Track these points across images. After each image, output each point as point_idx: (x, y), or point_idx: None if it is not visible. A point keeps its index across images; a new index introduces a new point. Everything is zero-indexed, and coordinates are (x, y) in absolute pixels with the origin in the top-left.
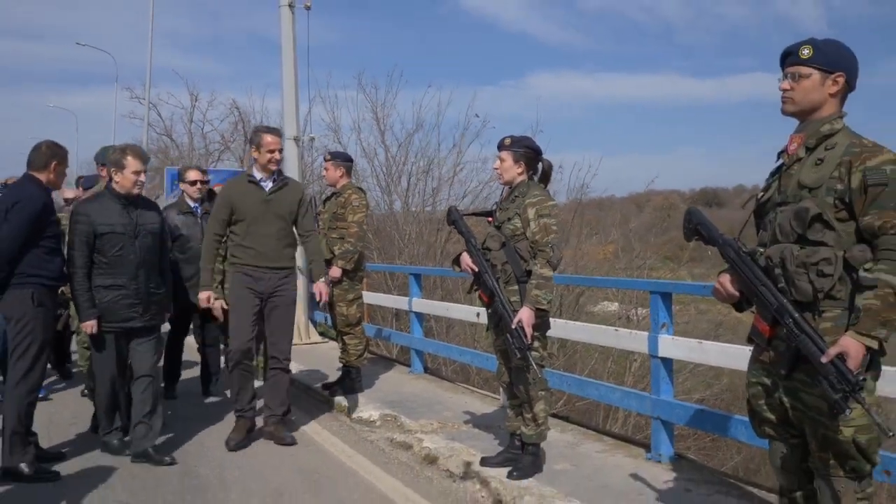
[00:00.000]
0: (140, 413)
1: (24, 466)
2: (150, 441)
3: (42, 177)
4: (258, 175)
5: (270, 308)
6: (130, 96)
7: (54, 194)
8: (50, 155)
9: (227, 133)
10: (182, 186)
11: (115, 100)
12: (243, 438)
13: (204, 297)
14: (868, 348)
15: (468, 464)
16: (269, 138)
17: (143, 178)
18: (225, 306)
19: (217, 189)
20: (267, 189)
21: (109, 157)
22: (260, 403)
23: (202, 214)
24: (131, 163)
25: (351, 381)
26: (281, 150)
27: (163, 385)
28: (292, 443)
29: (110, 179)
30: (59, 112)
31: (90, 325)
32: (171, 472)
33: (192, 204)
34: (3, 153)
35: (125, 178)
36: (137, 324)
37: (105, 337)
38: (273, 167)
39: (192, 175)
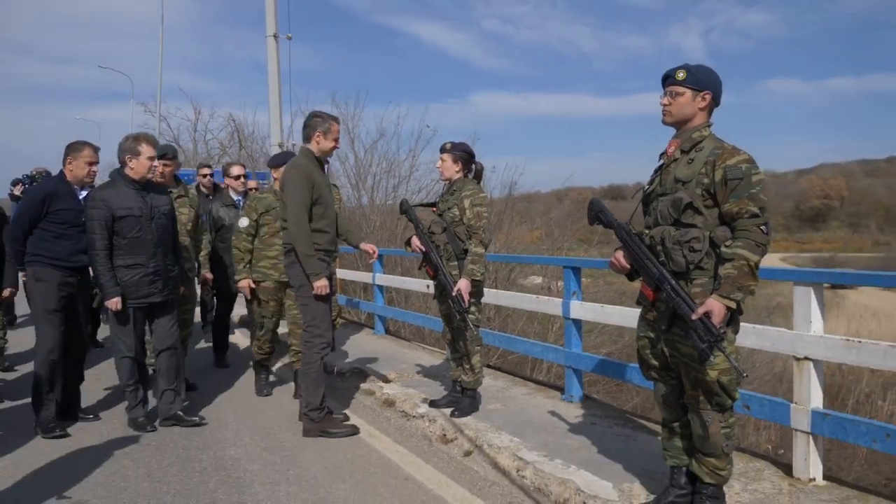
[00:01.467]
0: (167, 382)
1: (45, 414)
2: (178, 405)
3: (66, 171)
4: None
5: None
6: (144, 110)
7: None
8: (66, 152)
9: (225, 141)
10: (227, 181)
11: (131, 113)
12: (340, 419)
13: (322, 284)
14: (728, 308)
15: (419, 405)
16: (336, 126)
17: (156, 163)
18: (252, 285)
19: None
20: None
21: (124, 145)
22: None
23: (243, 207)
24: (146, 149)
25: None
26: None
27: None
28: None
29: (122, 166)
30: (85, 123)
31: (114, 303)
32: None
33: (235, 197)
34: (39, 159)
35: (140, 164)
36: (157, 299)
37: (128, 313)
38: (330, 156)
39: (236, 170)
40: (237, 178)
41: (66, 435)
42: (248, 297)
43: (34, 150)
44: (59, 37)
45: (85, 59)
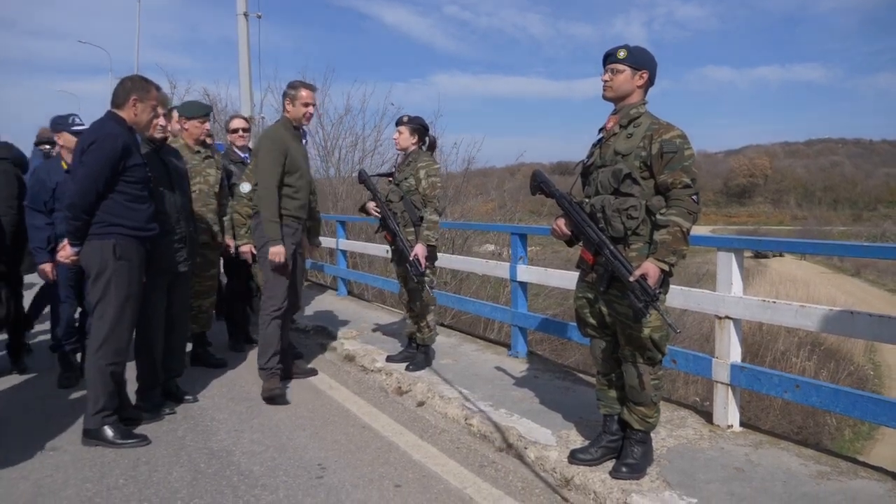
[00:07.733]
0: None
1: (107, 430)
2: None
3: (123, 114)
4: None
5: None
6: None
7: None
8: (130, 88)
9: None
10: (230, 137)
11: (110, 86)
12: (279, 386)
13: (277, 251)
14: (662, 270)
15: (377, 360)
16: (304, 92)
17: (163, 121)
18: (254, 251)
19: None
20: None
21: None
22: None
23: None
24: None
25: None
26: (315, 105)
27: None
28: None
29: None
30: (65, 95)
31: None
32: None
33: (240, 154)
34: (20, 128)
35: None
36: None
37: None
38: (306, 122)
39: (236, 123)
40: (235, 131)
41: (144, 438)
42: (251, 262)
43: (11, 120)
44: (40, 12)
45: (65, 34)
